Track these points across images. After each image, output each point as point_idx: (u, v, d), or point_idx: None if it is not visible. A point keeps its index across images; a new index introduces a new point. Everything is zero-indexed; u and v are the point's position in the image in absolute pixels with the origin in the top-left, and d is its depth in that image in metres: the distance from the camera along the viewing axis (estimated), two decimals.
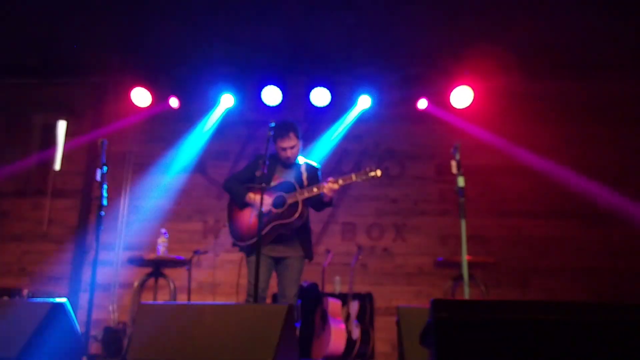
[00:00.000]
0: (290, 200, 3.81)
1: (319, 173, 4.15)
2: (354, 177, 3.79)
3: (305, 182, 3.98)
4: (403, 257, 6.22)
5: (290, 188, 3.86)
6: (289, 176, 3.97)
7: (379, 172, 3.80)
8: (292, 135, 3.98)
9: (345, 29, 6.46)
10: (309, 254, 4.01)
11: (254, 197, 3.90)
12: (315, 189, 3.80)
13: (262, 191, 3.65)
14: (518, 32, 6.22)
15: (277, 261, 3.94)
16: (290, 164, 4.04)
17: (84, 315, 4.60)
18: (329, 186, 3.74)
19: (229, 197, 4.10)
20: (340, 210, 6.39)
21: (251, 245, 3.85)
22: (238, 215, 4.00)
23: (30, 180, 6.53)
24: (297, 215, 3.79)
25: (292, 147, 3.98)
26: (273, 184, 3.95)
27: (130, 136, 6.63)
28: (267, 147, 3.72)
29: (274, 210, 3.85)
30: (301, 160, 4.15)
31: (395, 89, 6.44)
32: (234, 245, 4.02)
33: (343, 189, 6.37)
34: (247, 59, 6.61)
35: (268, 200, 3.85)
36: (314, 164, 4.20)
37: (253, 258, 3.82)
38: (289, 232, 3.89)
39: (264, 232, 3.76)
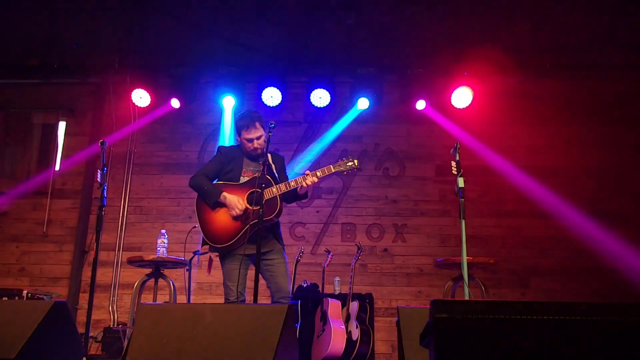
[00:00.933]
0: (267, 196, 3.61)
1: (284, 163, 4.04)
2: (332, 168, 3.72)
3: (276, 174, 3.84)
4: (403, 257, 6.22)
5: (267, 184, 3.62)
6: (256, 169, 3.74)
7: (356, 162, 3.75)
8: (257, 125, 3.84)
9: (345, 29, 6.47)
10: (283, 249, 3.86)
11: (230, 198, 3.70)
12: (293, 183, 3.67)
13: (260, 195, 3.50)
14: (517, 32, 6.23)
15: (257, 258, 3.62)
16: (256, 155, 3.86)
17: (83, 315, 4.61)
18: (310, 179, 3.64)
19: (198, 195, 3.84)
20: (340, 210, 6.39)
21: (228, 249, 3.71)
22: (210, 215, 3.76)
23: (30, 180, 6.52)
24: (276, 211, 3.65)
25: (258, 138, 3.83)
26: (244, 179, 3.80)
27: (130, 136, 6.63)
28: (267, 147, 3.63)
29: (251, 208, 3.65)
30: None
31: (395, 89, 6.44)
32: (203, 244, 3.79)
33: (343, 189, 6.42)
34: (247, 60, 6.61)
35: (242, 199, 3.70)
36: (278, 154, 4.06)
37: (229, 261, 3.73)
38: (266, 228, 3.72)
39: (241, 233, 3.66)
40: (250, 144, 3.82)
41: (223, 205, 3.73)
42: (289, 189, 3.67)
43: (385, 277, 6.17)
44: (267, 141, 3.66)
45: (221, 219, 3.73)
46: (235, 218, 3.69)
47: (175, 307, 3.14)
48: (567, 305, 1.75)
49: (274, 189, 3.65)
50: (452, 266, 4.90)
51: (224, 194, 3.72)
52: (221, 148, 4.05)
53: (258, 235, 3.40)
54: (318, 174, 3.68)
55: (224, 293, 3.75)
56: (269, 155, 3.88)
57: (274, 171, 3.85)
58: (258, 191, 3.57)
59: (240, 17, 6.61)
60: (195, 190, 3.85)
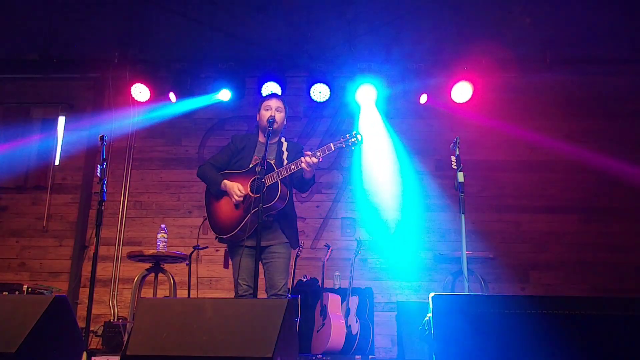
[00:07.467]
0: (268, 182, 3.47)
1: (303, 151, 3.75)
2: (332, 146, 3.48)
3: (285, 162, 3.69)
4: (403, 252, 6.22)
5: (268, 169, 3.50)
6: (268, 156, 3.58)
7: (359, 137, 3.47)
8: (281, 100, 3.79)
9: (346, 23, 6.44)
10: (293, 242, 3.72)
11: (230, 185, 3.64)
12: (293, 166, 3.52)
13: (262, 194, 3.37)
14: (517, 27, 6.21)
15: (261, 251, 3.56)
16: (271, 132, 3.63)
17: (84, 310, 4.61)
18: (308, 160, 3.45)
19: (206, 185, 3.81)
20: (340, 205, 6.39)
21: (233, 239, 3.64)
22: (216, 205, 3.72)
23: (30, 175, 6.52)
24: (277, 197, 3.51)
25: (277, 109, 3.74)
26: (251, 166, 3.70)
27: (130, 131, 6.63)
28: (267, 144, 3.55)
29: (253, 195, 3.53)
30: (283, 139, 3.87)
31: (395, 83, 6.42)
32: (216, 238, 3.78)
33: (343, 184, 6.42)
34: (247, 54, 6.60)
35: (245, 186, 3.62)
36: (296, 142, 3.96)
37: (236, 253, 3.65)
38: (271, 217, 3.61)
39: (244, 221, 3.55)
40: (267, 112, 3.71)
41: (226, 194, 3.68)
42: (289, 172, 3.54)
43: (384, 271, 6.18)
44: (267, 137, 3.57)
45: (225, 208, 3.68)
46: (237, 206, 3.62)
47: (176, 302, 3.14)
48: (565, 300, 1.76)
49: (274, 174, 3.53)
50: (452, 261, 4.92)
51: (225, 181, 3.68)
52: (234, 136, 3.96)
53: (258, 226, 3.30)
54: (318, 154, 3.46)
55: (235, 289, 3.66)
56: (284, 142, 3.82)
57: (284, 158, 3.73)
58: (259, 177, 3.42)
59: (239, 11, 6.58)
60: (201, 179, 3.84)
